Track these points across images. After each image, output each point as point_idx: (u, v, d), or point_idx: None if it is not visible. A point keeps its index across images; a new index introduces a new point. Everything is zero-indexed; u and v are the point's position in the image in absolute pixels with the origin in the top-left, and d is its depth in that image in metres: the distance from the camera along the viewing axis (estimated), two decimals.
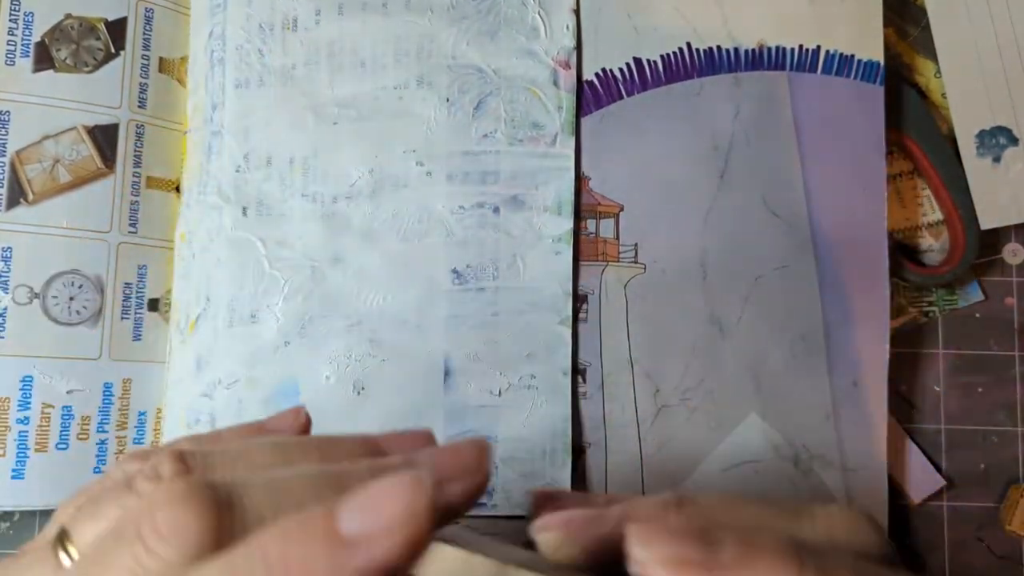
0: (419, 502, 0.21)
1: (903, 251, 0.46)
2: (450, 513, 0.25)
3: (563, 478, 0.43)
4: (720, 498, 0.28)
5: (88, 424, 0.42)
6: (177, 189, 0.45)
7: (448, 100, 0.44)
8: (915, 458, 0.45)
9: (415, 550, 0.21)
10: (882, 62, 0.45)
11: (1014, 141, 0.46)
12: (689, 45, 0.45)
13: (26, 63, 0.43)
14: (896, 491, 0.44)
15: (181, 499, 0.23)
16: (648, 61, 0.45)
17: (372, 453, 0.28)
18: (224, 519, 0.23)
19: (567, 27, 0.44)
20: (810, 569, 0.22)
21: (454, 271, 0.43)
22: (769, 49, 0.45)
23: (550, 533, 0.28)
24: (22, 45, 0.43)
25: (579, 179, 0.44)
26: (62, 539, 0.27)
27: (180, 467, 0.26)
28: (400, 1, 0.44)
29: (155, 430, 0.43)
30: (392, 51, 0.44)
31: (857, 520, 0.26)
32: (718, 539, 0.23)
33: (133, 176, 0.44)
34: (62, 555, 0.27)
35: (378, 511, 0.21)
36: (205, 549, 0.23)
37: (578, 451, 0.43)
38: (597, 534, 0.27)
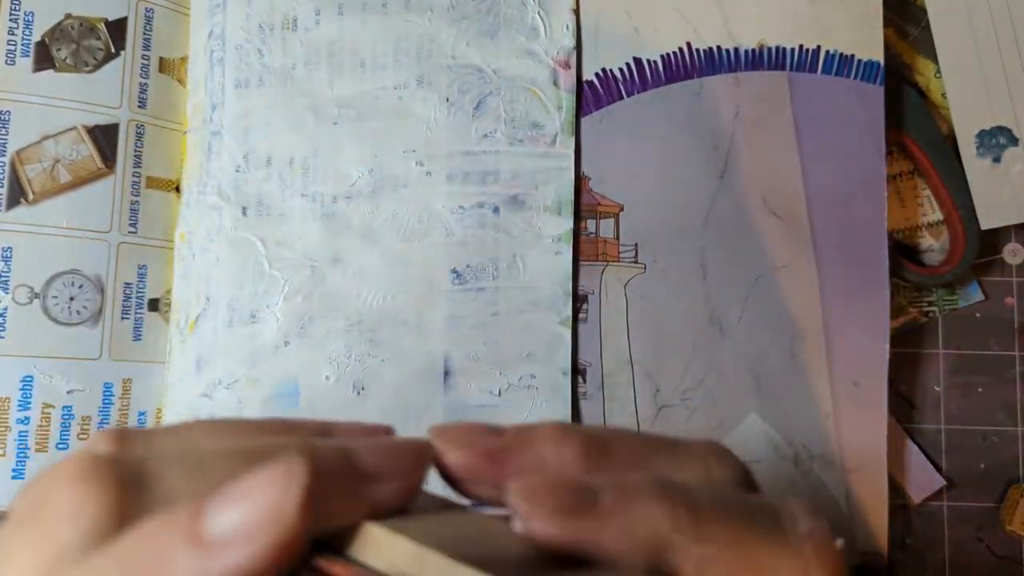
0: (289, 500, 0.19)
1: (903, 251, 0.46)
2: (379, 510, 0.22)
3: None
4: (604, 430, 0.27)
5: (88, 424, 0.42)
6: (177, 189, 0.45)
7: (448, 100, 0.44)
8: (915, 458, 0.45)
9: (284, 554, 0.19)
10: (882, 62, 0.45)
11: (1014, 141, 0.46)
12: (689, 45, 0.45)
13: (26, 63, 0.43)
14: (896, 491, 0.44)
15: (81, 477, 0.22)
16: (648, 61, 0.45)
17: (323, 435, 0.25)
18: (128, 497, 0.22)
19: (567, 27, 0.44)
20: (681, 508, 0.22)
21: (454, 271, 0.43)
22: (769, 49, 0.45)
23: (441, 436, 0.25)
24: (22, 45, 0.43)
25: (579, 179, 0.44)
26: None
27: (113, 445, 0.23)
28: (400, 1, 0.44)
29: None
30: (392, 51, 0.44)
31: (717, 451, 0.26)
32: (596, 488, 0.23)
33: (133, 176, 0.44)
34: None
35: (243, 509, 0.20)
36: (106, 530, 0.21)
37: None
38: (490, 447, 0.25)
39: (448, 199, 0.43)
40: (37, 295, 0.42)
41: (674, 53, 0.45)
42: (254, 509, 0.19)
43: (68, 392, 0.42)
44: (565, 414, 0.43)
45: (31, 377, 0.42)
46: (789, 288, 0.44)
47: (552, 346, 0.43)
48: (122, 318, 0.43)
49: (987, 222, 0.45)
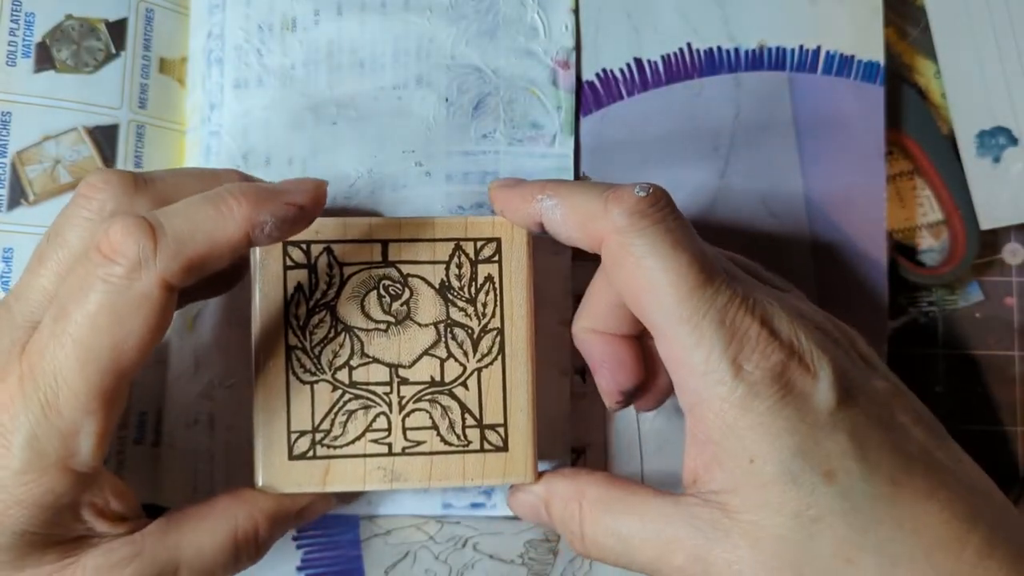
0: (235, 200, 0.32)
1: (903, 251, 0.46)
2: (298, 218, 0.33)
3: None
4: None
5: None
6: None
7: (447, 100, 0.44)
8: None
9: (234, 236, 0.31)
10: (882, 62, 0.45)
11: (1014, 141, 0.46)
12: (689, 45, 0.45)
13: (27, 64, 0.43)
14: None
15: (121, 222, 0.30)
16: (648, 61, 0.45)
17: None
18: (140, 185, 0.34)
19: (566, 27, 0.44)
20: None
21: None
22: (769, 49, 0.45)
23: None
24: (23, 46, 0.43)
25: (579, 179, 0.44)
26: None
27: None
28: (399, 1, 0.44)
29: (155, 430, 0.43)
30: (391, 51, 0.44)
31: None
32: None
33: None
34: None
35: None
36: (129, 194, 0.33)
37: (578, 451, 0.43)
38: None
39: (447, 199, 0.43)
40: None
41: (674, 53, 0.45)
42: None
43: None
44: (565, 414, 0.43)
45: None
46: None
47: (552, 346, 0.43)
48: None
49: (987, 222, 0.45)
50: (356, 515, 0.43)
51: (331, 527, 0.43)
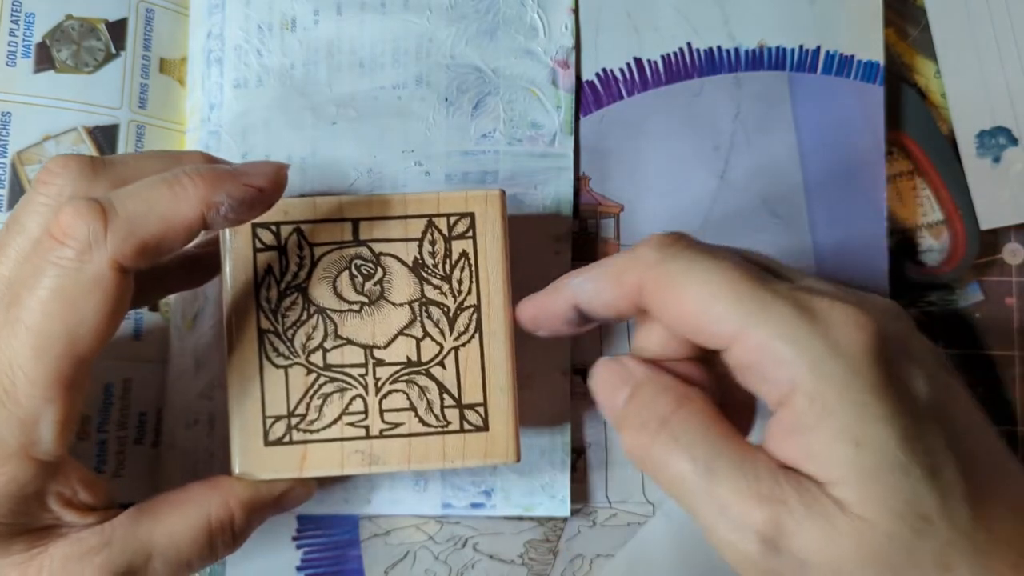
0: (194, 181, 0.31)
1: (903, 251, 0.46)
2: (257, 199, 0.33)
3: (563, 478, 0.43)
4: None
5: (88, 424, 0.42)
6: None
7: (447, 100, 0.44)
8: None
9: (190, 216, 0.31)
10: (882, 62, 0.45)
11: (1014, 141, 0.46)
12: (689, 45, 0.45)
13: (27, 64, 0.43)
14: None
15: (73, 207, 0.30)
16: (648, 61, 0.45)
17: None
18: (98, 168, 0.33)
19: (566, 26, 0.44)
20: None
21: None
22: (769, 49, 0.45)
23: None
24: (23, 46, 0.43)
25: (578, 179, 0.44)
26: None
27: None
28: (398, 1, 0.44)
29: (155, 430, 0.43)
30: (391, 51, 0.44)
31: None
32: None
33: None
34: None
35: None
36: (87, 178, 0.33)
37: (578, 451, 0.43)
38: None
39: None
40: None
41: (674, 53, 0.45)
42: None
43: None
44: (565, 414, 0.43)
45: None
46: None
47: (552, 346, 0.43)
48: None
49: (987, 222, 0.45)
50: (356, 515, 0.43)
51: (331, 527, 0.43)
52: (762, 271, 0.31)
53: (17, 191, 0.42)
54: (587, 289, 0.33)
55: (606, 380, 0.34)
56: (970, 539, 0.27)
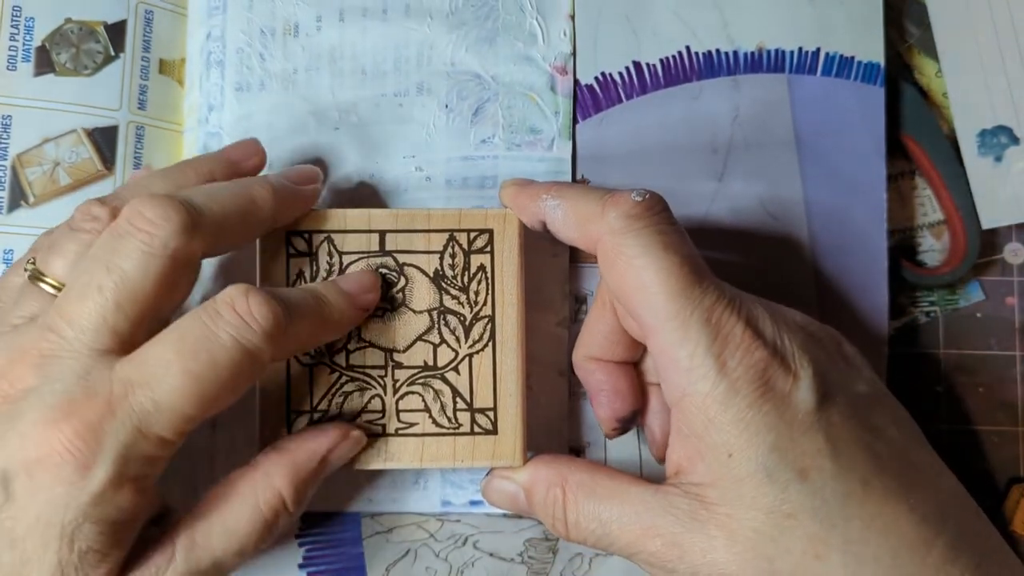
0: (265, 197, 0.36)
1: (903, 251, 0.46)
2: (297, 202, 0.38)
3: None
4: None
5: None
6: None
7: (447, 106, 0.44)
8: None
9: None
10: (883, 63, 0.45)
11: (1015, 140, 0.45)
12: (688, 48, 0.45)
13: (27, 68, 0.43)
14: None
15: (158, 200, 0.32)
16: (647, 64, 0.45)
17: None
18: (193, 215, 0.33)
19: (564, 33, 0.44)
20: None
21: None
22: (769, 51, 0.45)
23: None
24: (23, 50, 0.43)
25: (576, 182, 0.44)
26: (37, 276, 0.34)
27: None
28: (400, 8, 0.44)
29: None
30: (392, 59, 0.44)
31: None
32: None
33: None
34: (43, 287, 0.34)
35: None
36: (185, 235, 0.32)
37: (577, 451, 0.44)
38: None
39: (447, 203, 0.43)
40: None
41: (673, 56, 0.45)
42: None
43: None
44: (563, 414, 0.43)
45: None
46: (788, 290, 0.44)
47: (550, 347, 0.43)
48: None
49: (988, 222, 0.45)
50: (358, 513, 0.43)
51: (333, 525, 0.43)
52: (706, 269, 0.35)
53: (17, 193, 0.42)
54: (556, 217, 0.37)
55: (500, 500, 0.39)
56: (841, 532, 0.31)
